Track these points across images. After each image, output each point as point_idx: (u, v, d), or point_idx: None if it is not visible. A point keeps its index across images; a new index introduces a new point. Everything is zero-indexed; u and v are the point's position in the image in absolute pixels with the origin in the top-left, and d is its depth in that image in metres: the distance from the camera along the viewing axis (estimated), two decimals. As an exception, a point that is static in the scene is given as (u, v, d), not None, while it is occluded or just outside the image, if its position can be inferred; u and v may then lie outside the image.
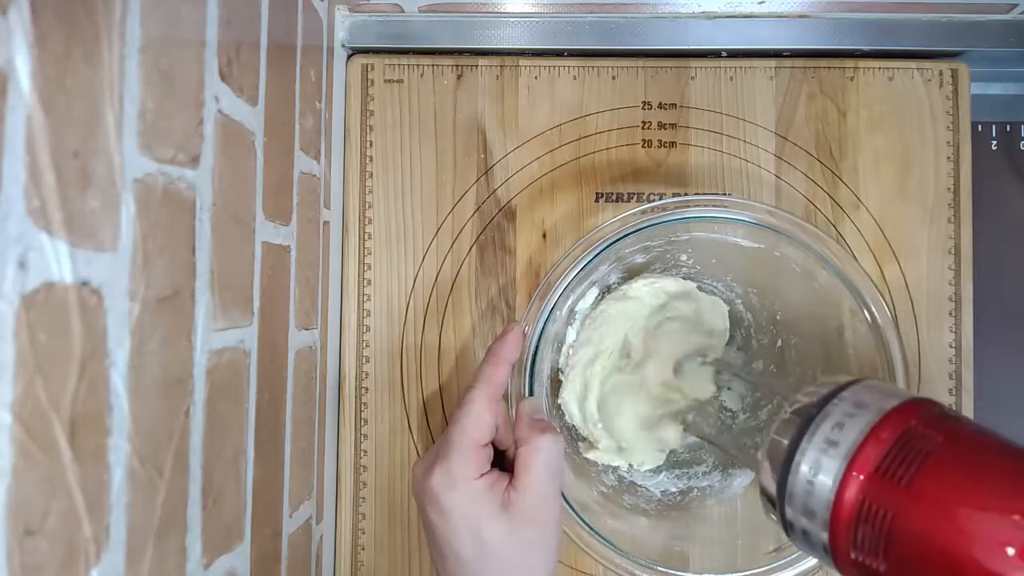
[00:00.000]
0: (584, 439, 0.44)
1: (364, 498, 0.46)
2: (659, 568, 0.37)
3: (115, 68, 0.21)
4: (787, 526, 0.29)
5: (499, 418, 0.36)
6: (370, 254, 0.47)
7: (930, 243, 0.47)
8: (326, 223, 0.44)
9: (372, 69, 0.47)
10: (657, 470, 0.44)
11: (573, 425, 0.44)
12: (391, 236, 0.47)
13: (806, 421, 0.29)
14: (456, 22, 0.47)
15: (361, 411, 0.47)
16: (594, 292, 0.44)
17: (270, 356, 0.34)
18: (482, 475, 0.34)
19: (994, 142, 0.50)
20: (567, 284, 0.37)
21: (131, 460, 0.23)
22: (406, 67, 0.47)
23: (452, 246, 0.47)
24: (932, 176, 0.47)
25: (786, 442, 0.29)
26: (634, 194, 0.47)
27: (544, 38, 0.47)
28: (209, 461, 0.28)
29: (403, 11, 0.47)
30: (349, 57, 0.48)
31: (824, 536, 0.27)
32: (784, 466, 0.29)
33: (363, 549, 0.46)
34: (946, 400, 0.46)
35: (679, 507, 0.43)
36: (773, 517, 0.30)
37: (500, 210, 0.47)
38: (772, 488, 0.30)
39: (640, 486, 0.44)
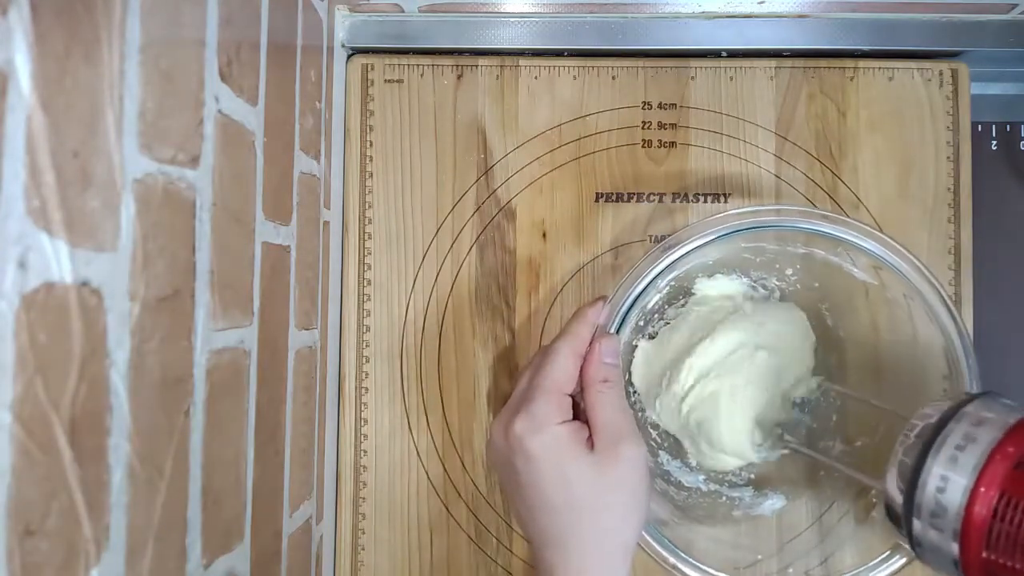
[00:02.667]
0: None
1: (364, 498, 0.46)
2: (681, 553, 0.37)
3: (115, 68, 0.21)
4: (915, 543, 0.30)
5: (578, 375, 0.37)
6: (370, 254, 0.47)
7: (930, 243, 0.47)
8: (326, 223, 0.44)
9: (372, 69, 0.47)
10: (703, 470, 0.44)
11: (637, 393, 0.44)
12: (391, 236, 0.47)
13: (929, 440, 0.30)
14: (456, 22, 0.47)
15: (361, 411, 0.47)
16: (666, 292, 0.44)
17: (270, 356, 0.34)
18: (565, 421, 0.34)
19: (994, 142, 0.50)
20: (682, 254, 0.37)
21: (131, 460, 0.23)
22: (406, 67, 0.47)
23: (452, 246, 0.47)
24: (932, 176, 0.47)
25: (910, 461, 0.31)
26: (634, 194, 0.47)
27: (544, 38, 0.47)
28: (209, 461, 0.28)
29: (403, 11, 0.47)
30: (349, 57, 0.48)
31: (954, 543, 0.28)
32: (911, 482, 0.30)
33: (363, 549, 0.46)
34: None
35: (705, 508, 0.43)
36: (902, 540, 0.31)
37: (500, 210, 0.47)
38: (898, 502, 0.31)
39: (673, 475, 0.44)
